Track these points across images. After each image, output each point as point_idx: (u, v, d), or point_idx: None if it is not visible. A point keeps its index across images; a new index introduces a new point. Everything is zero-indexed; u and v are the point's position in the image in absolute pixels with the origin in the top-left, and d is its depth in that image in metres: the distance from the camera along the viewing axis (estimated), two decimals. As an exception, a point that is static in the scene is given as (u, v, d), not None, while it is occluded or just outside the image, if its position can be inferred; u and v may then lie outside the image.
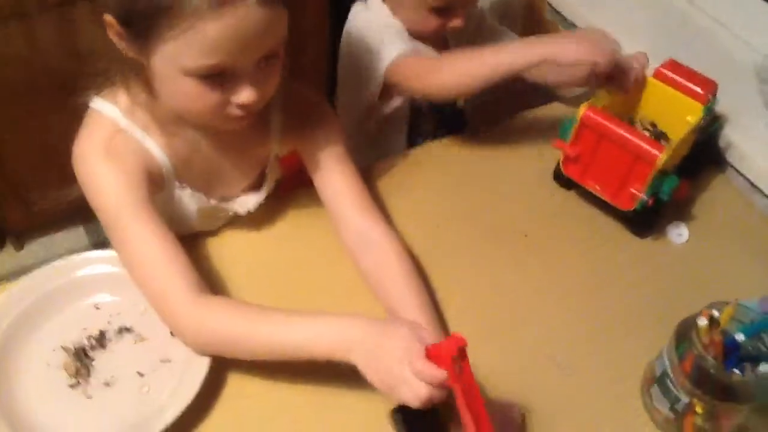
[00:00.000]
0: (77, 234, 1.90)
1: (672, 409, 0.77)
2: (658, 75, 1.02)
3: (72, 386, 0.80)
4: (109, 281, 0.87)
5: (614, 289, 0.94)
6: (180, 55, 0.72)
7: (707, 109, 0.99)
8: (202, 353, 0.78)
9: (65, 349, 0.82)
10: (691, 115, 0.98)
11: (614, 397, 0.83)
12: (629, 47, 1.16)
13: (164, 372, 0.81)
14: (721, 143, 1.10)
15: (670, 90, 1.01)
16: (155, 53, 0.74)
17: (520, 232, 1.00)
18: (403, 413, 0.68)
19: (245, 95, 0.75)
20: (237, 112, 0.78)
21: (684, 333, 0.76)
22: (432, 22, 1.10)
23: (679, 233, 1.02)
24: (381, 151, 1.22)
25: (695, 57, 1.05)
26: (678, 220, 1.02)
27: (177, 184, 0.88)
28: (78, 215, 1.86)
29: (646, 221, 1.00)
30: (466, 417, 0.64)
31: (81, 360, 0.81)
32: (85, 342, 0.83)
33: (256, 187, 0.96)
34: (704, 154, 1.08)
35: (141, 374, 0.81)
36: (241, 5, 0.69)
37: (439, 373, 0.64)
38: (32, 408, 0.77)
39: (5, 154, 1.68)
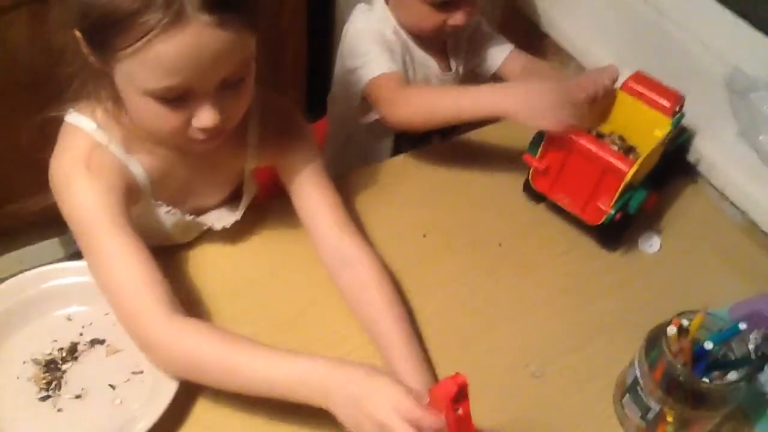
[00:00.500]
0: (51, 245, 1.88)
1: (643, 417, 0.78)
2: (625, 88, 1.03)
3: (42, 399, 0.78)
4: (81, 292, 0.85)
5: (587, 297, 0.95)
6: (137, 74, 0.71)
7: (675, 122, 0.99)
8: (173, 375, 0.77)
9: (35, 361, 0.81)
10: (659, 128, 0.98)
11: (587, 405, 0.84)
12: (600, 55, 1.18)
13: (136, 383, 0.80)
14: (691, 154, 1.12)
15: (637, 103, 1.02)
16: (116, 69, 0.73)
17: (494, 241, 1.00)
18: None
19: (205, 119, 0.74)
20: (199, 135, 0.76)
21: (654, 341, 0.77)
22: (432, 19, 1.10)
23: (650, 243, 1.03)
24: (368, 155, 1.23)
25: (665, 67, 1.06)
26: (649, 230, 1.04)
27: (153, 201, 0.87)
28: (52, 224, 1.84)
29: (613, 234, 1.00)
30: None
31: (52, 372, 0.80)
32: (56, 354, 0.82)
33: (232, 199, 0.96)
34: (673, 165, 1.09)
35: (113, 386, 0.80)
36: (193, 26, 0.67)
37: (437, 422, 0.62)
38: (1, 420, 0.76)
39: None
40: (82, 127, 0.81)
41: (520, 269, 0.97)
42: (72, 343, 0.83)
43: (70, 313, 0.86)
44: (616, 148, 1.01)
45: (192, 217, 0.92)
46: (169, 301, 0.76)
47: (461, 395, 0.62)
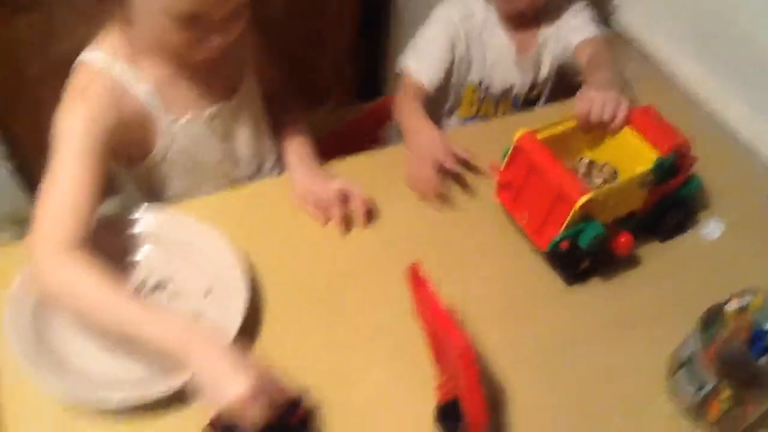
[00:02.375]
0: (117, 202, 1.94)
1: (697, 393, 0.77)
2: (630, 120, 0.96)
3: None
4: (148, 238, 0.89)
5: (642, 278, 0.95)
6: None
7: (659, 163, 0.90)
8: (48, 300, 0.80)
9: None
10: (643, 165, 0.91)
11: (637, 380, 0.84)
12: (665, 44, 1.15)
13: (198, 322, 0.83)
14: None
15: (636, 138, 0.95)
16: None
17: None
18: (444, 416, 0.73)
19: (215, 42, 0.86)
20: (204, 52, 0.87)
21: (713, 317, 0.76)
22: None
23: (710, 230, 1.01)
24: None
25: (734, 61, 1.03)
26: (710, 217, 1.02)
27: (168, 117, 0.93)
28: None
29: (567, 267, 0.92)
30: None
31: (118, 312, 0.84)
32: (123, 292, 0.85)
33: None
34: (678, 214, 0.98)
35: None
36: None
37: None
38: (69, 354, 0.80)
39: (44, 121, 1.72)
40: (88, 60, 0.88)
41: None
42: (137, 285, 0.87)
43: (137, 258, 0.89)
44: (600, 180, 0.96)
45: (210, 110, 0.97)
46: (74, 237, 0.79)
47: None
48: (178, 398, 0.76)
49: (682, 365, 0.79)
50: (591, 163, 0.99)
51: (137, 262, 0.89)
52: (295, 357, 0.81)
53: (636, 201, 0.92)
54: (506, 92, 1.27)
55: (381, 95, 2.05)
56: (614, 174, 0.98)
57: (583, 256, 0.90)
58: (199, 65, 0.92)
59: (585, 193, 0.84)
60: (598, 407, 0.81)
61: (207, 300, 0.85)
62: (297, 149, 1.05)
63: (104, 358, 0.80)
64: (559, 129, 0.95)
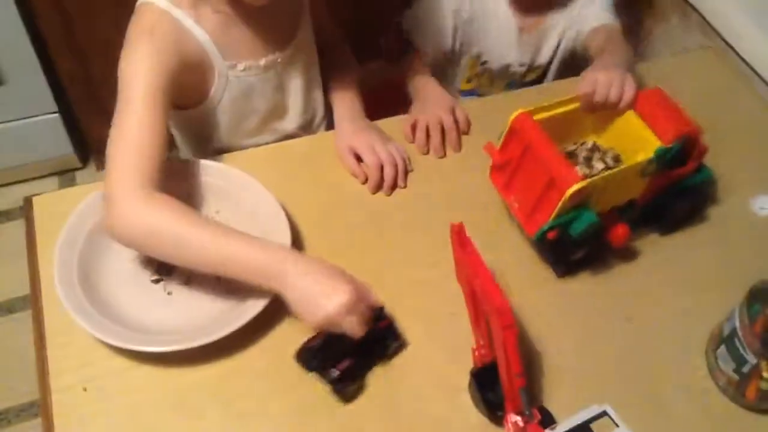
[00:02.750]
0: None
1: (737, 370, 0.77)
2: (635, 105, 0.91)
3: (154, 281, 0.84)
4: (195, 188, 0.91)
5: (687, 251, 0.93)
6: None
7: (661, 151, 0.84)
8: (129, 244, 0.79)
9: (150, 247, 0.87)
10: (646, 153, 0.85)
11: (676, 354, 0.83)
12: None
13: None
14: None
15: (640, 124, 0.89)
16: None
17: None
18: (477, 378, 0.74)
19: None
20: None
21: (758, 294, 0.75)
22: None
23: (762, 205, 0.99)
24: None
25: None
26: (763, 192, 1.00)
27: (225, 63, 0.93)
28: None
29: (558, 256, 0.88)
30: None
31: (164, 258, 0.86)
32: (169, 243, 0.87)
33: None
34: (685, 206, 0.94)
35: (218, 278, 0.84)
36: None
37: None
38: (118, 299, 0.82)
39: (93, 72, 1.75)
40: (149, 1, 0.87)
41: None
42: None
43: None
44: (602, 165, 0.91)
45: (265, 60, 0.97)
46: (152, 178, 0.79)
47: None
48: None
49: (723, 341, 0.78)
50: (594, 148, 0.94)
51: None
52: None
53: (636, 190, 0.88)
54: (503, 70, 1.23)
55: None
56: (617, 160, 0.93)
57: (576, 247, 0.86)
58: (257, 12, 0.91)
59: (577, 181, 0.79)
60: (635, 379, 0.81)
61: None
62: (346, 103, 1.06)
63: (148, 309, 0.82)
64: (560, 110, 0.90)
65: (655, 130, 0.87)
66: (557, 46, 1.20)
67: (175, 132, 1.06)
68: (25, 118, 1.78)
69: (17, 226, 1.88)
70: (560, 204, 0.80)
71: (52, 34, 1.65)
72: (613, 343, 0.83)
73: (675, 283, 0.90)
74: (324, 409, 0.76)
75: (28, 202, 0.94)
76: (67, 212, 0.86)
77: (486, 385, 0.74)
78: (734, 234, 0.96)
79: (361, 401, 0.77)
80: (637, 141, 0.88)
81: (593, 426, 0.64)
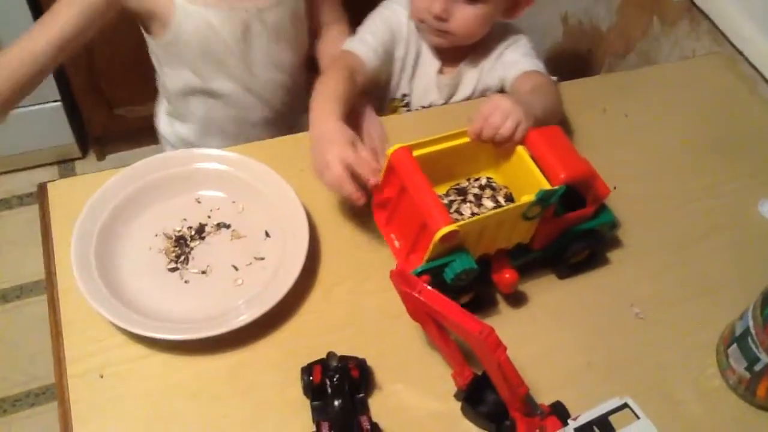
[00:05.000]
0: (157, 151, 1.97)
1: (749, 369, 0.78)
2: (527, 141, 0.85)
3: (171, 270, 0.84)
4: (213, 178, 0.91)
5: (699, 252, 0.94)
6: None
7: (541, 194, 0.77)
8: None
9: (167, 235, 0.87)
10: (529, 196, 0.79)
11: (686, 352, 0.84)
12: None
13: (258, 269, 0.85)
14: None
15: (529, 161, 0.83)
16: None
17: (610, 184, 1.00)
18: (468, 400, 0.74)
19: None
20: None
21: (773, 295, 0.76)
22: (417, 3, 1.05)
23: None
24: None
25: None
26: (770, 196, 1.01)
27: None
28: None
29: None
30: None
31: (180, 247, 0.86)
32: (186, 231, 0.88)
33: None
34: (578, 253, 0.88)
35: (236, 267, 0.85)
36: None
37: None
38: (134, 285, 0.82)
39: (96, 62, 1.74)
40: None
41: (634, 215, 0.97)
42: (200, 223, 0.88)
43: (201, 195, 0.91)
44: (492, 204, 0.85)
45: None
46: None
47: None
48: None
49: (735, 340, 0.80)
50: (486, 185, 0.88)
51: (203, 199, 0.91)
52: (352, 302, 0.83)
53: (523, 233, 0.82)
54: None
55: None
56: (510, 199, 0.87)
57: (457, 292, 0.80)
58: None
59: (447, 224, 0.74)
60: (645, 376, 0.82)
61: (267, 242, 0.87)
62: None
63: (165, 298, 0.82)
64: (445, 145, 0.85)
65: (544, 170, 0.81)
66: (475, 86, 1.15)
67: (162, 71, 1.12)
68: (27, 106, 1.77)
69: (14, 215, 1.88)
70: (431, 247, 0.75)
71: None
72: (625, 341, 0.84)
73: (685, 283, 0.91)
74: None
75: (42, 188, 0.93)
76: (80, 199, 0.86)
77: (478, 402, 0.74)
78: (743, 237, 0.97)
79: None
80: (527, 181, 0.82)
81: (612, 419, 0.65)
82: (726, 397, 0.81)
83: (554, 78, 1.08)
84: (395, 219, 0.83)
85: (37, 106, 1.78)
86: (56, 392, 0.76)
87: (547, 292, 0.88)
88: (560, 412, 0.71)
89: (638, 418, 0.62)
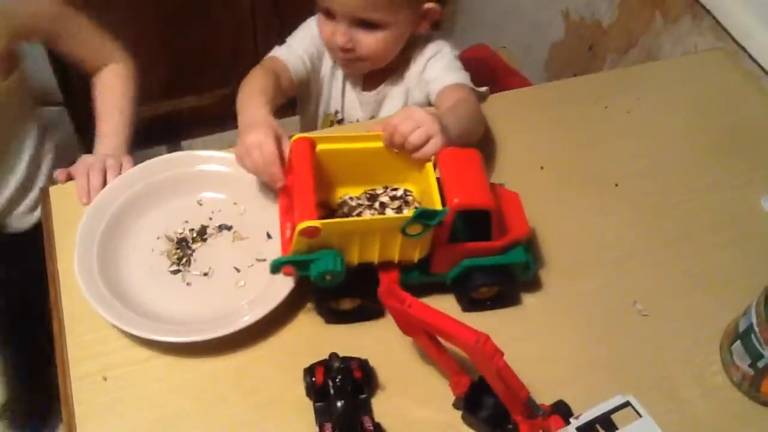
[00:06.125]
0: (158, 153, 1.98)
1: (752, 365, 0.77)
2: (439, 157, 0.82)
3: (173, 272, 0.85)
4: (214, 180, 0.91)
5: (701, 248, 0.94)
6: None
7: (419, 214, 0.73)
8: None
9: (168, 238, 0.87)
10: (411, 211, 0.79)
11: (690, 349, 0.84)
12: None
13: (259, 270, 0.85)
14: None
15: (433, 180, 0.80)
16: None
17: (611, 181, 1.00)
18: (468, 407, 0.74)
19: None
20: None
21: (776, 291, 0.76)
22: (324, 28, 1.03)
23: (770, 203, 1.00)
24: None
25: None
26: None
27: None
28: (162, 133, 1.93)
29: (320, 302, 0.81)
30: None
31: (182, 249, 0.86)
32: (187, 233, 0.88)
33: None
34: (478, 285, 0.82)
35: (237, 269, 0.85)
36: None
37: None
38: (136, 288, 0.82)
39: (74, 92, 1.75)
40: None
41: (636, 211, 0.97)
42: (202, 225, 0.89)
43: (202, 197, 0.91)
44: (387, 198, 0.86)
45: None
46: None
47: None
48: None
49: (738, 337, 0.79)
50: (400, 197, 0.87)
51: (204, 201, 0.91)
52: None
53: (409, 251, 0.78)
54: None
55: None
56: (408, 201, 0.87)
57: (334, 296, 0.78)
58: None
59: (311, 218, 0.73)
60: (649, 374, 0.81)
61: (268, 243, 0.87)
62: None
63: (167, 300, 0.82)
64: (354, 145, 0.84)
65: (445, 192, 0.78)
66: (405, 102, 1.13)
67: None
68: (30, 109, 1.77)
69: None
70: (294, 239, 0.73)
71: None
72: (628, 339, 0.84)
73: (688, 280, 0.90)
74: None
75: (44, 192, 0.94)
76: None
77: (477, 408, 0.74)
78: (746, 232, 0.96)
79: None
80: (430, 199, 0.80)
81: (615, 417, 0.64)
82: (730, 394, 0.80)
83: (484, 89, 1.07)
84: (292, 207, 0.80)
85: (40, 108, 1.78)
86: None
87: (547, 291, 0.87)
88: (563, 411, 0.71)
89: (640, 416, 0.62)
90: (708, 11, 1.24)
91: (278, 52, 1.08)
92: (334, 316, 0.82)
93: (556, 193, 0.95)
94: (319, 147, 0.83)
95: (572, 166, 1.02)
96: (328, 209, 0.86)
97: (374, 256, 0.78)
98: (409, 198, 0.87)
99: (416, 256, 0.79)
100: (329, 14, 1.00)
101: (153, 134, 1.94)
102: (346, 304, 0.81)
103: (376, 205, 0.86)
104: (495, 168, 0.99)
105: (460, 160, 0.81)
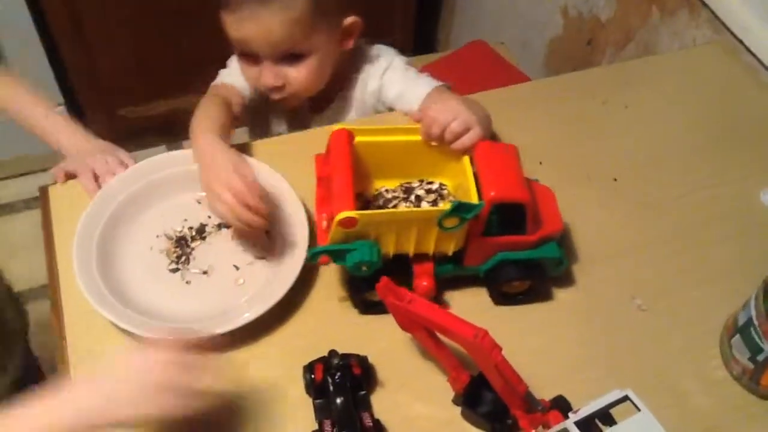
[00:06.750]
0: (160, 151, 1.98)
1: (752, 359, 0.77)
2: (476, 150, 0.83)
3: (172, 271, 0.85)
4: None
5: (700, 242, 0.94)
6: None
7: (456, 207, 0.74)
8: None
9: (167, 236, 0.87)
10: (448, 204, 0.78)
11: (689, 344, 0.84)
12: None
13: (258, 267, 0.85)
14: None
15: (470, 173, 0.81)
16: None
17: (610, 176, 1.00)
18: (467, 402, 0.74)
19: None
20: None
21: (774, 285, 0.76)
22: (248, 73, 1.01)
23: (769, 197, 1.00)
24: None
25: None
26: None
27: None
28: (162, 132, 1.93)
29: (356, 292, 0.82)
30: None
31: (182, 248, 0.86)
32: (186, 232, 0.88)
33: None
34: (509, 280, 0.83)
35: (237, 267, 0.85)
36: None
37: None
38: (136, 286, 0.83)
39: (99, 64, 1.75)
40: None
41: (635, 206, 0.97)
42: (201, 224, 0.89)
43: (201, 196, 0.90)
44: (422, 192, 0.87)
45: None
46: None
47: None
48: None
49: (738, 330, 0.79)
50: (436, 191, 0.88)
51: (203, 199, 0.90)
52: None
53: (444, 243, 0.79)
54: None
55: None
56: (441, 195, 0.88)
57: (368, 286, 0.77)
58: None
59: (349, 209, 0.74)
60: (648, 368, 0.82)
61: (268, 240, 0.87)
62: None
63: (167, 298, 0.82)
64: (391, 138, 0.85)
65: (481, 185, 0.78)
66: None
67: None
68: (30, 110, 1.77)
69: (20, 218, 1.89)
70: (332, 229, 0.75)
71: (59, 27, 1.65)
72: (627, 334, 0.84)
73: (687, 274, 0.90)
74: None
75: (43, 191, 0.94)
76: (82, 202, 0.87)
77: (477, 403, 0.74)
78: (745, 226, 0.96)
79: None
80: (466, 192, 0.80)
81: (614, 411, 0.64)
82: (730, 387, 0.80)
83: (449, 84, 1.05)
84: (328, 199, 0.82)
85: (40, 110, 1.78)
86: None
87: (545, 285, 0.87)
88: (562, 405, 0.71)
89: (639, 410, 0.62)
90: (705, 4, 1.24)
91: (224, 77, 1.05)
92: (368, 307, 0.82)
93: (556, 188, 0.95)
94: (358, 139, 0.83)
95: (571, 162, 1.02)
96: (363, 201, 0.87)
97: (410, 248, 0.79)
98: (444, 192, 0.88)
99: (451, 248, 0.80)
100: (250, 58, 0.97)
101: (153, 133, 1.95)
102: (375, 296, 0.80)
103: (412, 197, 0.87)
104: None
105: (497, 154, 0.82)
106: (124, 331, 0.77)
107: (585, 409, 0.65)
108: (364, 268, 0.76)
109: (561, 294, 0.87)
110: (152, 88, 1.88)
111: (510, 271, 0.82)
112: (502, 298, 0.85)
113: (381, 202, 0.87)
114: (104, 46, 1.72)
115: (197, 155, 0.87)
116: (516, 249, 0.81)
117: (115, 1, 1.65)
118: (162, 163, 0.91)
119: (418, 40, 2.14)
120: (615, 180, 1.00)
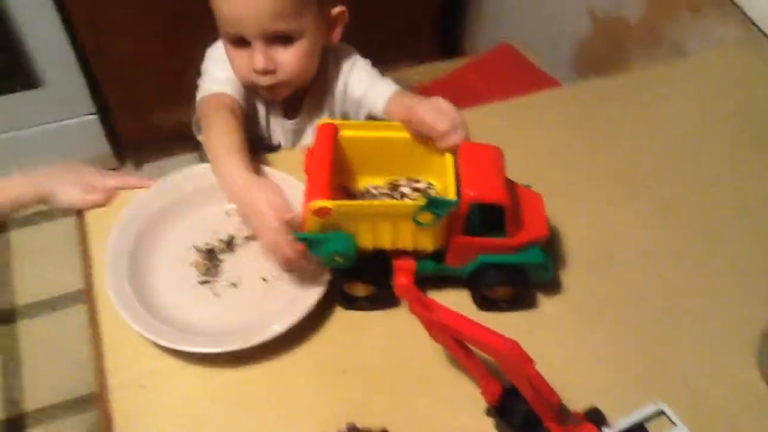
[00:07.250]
0: (192, 160, 2.00)
1: (788, 368, 0.76)
2: (461, 148, 0.82)
3: (201, 283, 0.85)
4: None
5: (734, 242, 0.92)
6: None
7: (430, 202, 0.74)
8: None
9: (197, 249, 0.88)
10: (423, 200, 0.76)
11: (723, 350, 0.82)
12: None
13: (286, 280, 0.85)
14: None
15: (450, 171, 0.81)
16: None
17: (638, 179, 0.99)
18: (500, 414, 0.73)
19: None
20: None
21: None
22: (237, 60, 0.99)
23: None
24: None
25: None
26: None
27: None
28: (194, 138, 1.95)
29: (336, 285, 0.82)
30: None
31: (211, 260, 0.87)
32: (216, 244, 0.89)
33: None
34: (490, 283, 0.83)
35: (265, 280, 0.85)
36: None
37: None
38: (166, 299, 0.83)
39: (129, 72, 1.77)
40: None
41: (666, 210, 0.95)
42: (230, 236, 0.89)
43: (230, 208, 0.91)
44: (408, 189, 0.87)
45: None
46: None
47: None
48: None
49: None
50: (423, 189, 0.88)
51: (232, 211, 0.91)
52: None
53: (421, 239, 0.78)
54: None
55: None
56: (423, 190, 0.88)
57: (351, 277, 0.80)
58: None
59: (323, 198, 0.75)
60: (679, 380, 0.80)
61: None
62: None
63: (196, 311, 0.83)
64: (377, 133, 0.86)
65: (462, 184, 0.78)
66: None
67: None
68: (63, 120, 1.81)
69: (54, 226, 1.92)
70: (306, 218, 0.76)
71: (89, 37, 1.68)
72: (657, 341, 0.83)
73: (716, 282, 0.88)
74: (372, 407, 0.77)
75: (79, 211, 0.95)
76: (115, 213, 0.88)
77: (510, 415, 0.73)
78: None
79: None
80: (447, 191, 0.80)
81: (649, 425, 0.63)
82: (764, 393, 0.78)
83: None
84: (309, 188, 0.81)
85: (74, 120, 1.82)
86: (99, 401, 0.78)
87: (572, 292, 0.86)
88: (596, 418, 0.70)
89: (675, 425, 0.61)
90: (734, 3, 1.21)
91: (211, 86, 1.01)
92: (348, 302, 0.82)
93: (585, 193, 0.95)
94: (344, 133, 0.84)
95: (600, 166, 1.01)
96: (351, 197, 0.88)
97: (387, 243, 0.79)
98: (431, 191, 0.88)
99: (430, 246, 0.79)
100: (240, 42, 0.96)
101: (185, 140, 1.96)
102: (360, 290, 0.81)
103: (396, 195, 0.87)
104: (523, 169, 0.97)
105: (481, 156, 0.81)
106: (156, 342, 0.78)
107: (620, 423, 0.64)
108: (338, 259, 0.76)
109: (588, 300, 0.86)
110: (184, 95, 1.89)
111: (491, 275, 0.81)
112: (484, 302, 0.84)
113: (367, 198, 0.87)
114: (134, 53, 1.74)
115: (231, 193, 0.85)
116: (496, 251, 0.80)
117: (144, 9, 1.66)
118: (190, 176, 0.92)
119: (442, 44, 2.13)
120: (645, 185, 0.98)
